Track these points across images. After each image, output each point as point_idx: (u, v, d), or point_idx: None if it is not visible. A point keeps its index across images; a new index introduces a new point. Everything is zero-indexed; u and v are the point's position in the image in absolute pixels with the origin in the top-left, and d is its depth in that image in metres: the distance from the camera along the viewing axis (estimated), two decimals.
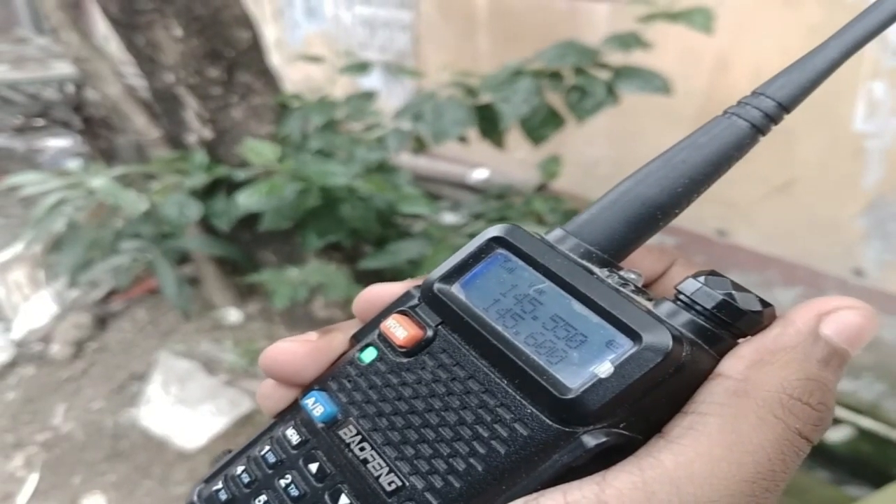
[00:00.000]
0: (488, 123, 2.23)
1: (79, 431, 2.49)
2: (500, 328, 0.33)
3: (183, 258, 2.86)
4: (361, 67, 2.51)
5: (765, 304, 0.31)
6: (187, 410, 2.49)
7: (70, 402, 2.64)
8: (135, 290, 3.10)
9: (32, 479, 2.31)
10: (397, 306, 0.37)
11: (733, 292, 0.31)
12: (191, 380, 2.60)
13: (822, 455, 2.25)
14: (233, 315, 2.89)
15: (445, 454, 0.31)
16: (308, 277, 2.26)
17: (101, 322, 3.02)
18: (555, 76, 2.10)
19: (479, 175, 3.37)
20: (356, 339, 0.38)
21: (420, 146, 2.36)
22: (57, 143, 5.34)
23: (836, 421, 2.34)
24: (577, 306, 0.32)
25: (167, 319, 2.98)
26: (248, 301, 2.96)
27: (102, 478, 2.30)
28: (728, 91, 2.71)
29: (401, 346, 0.35)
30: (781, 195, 2.63)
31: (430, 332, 0.35)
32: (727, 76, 2.70)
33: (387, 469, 0.32)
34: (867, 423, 2.30)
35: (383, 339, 0.36)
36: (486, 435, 0.30)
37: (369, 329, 0.37)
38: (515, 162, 2.75)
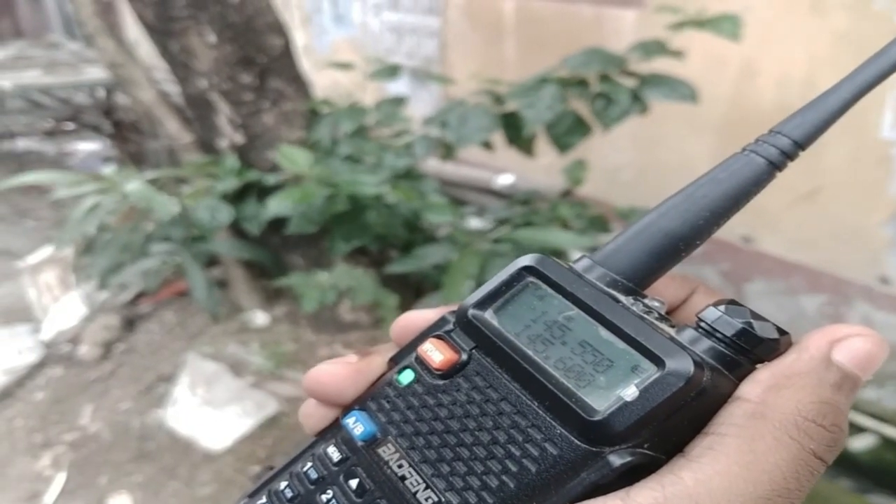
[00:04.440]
0: (514, 131, 2.24)
1: (106, 432, 2.52)
2: (531, 353, 0.34)
3: (211, 261, 2.89)
4: (391, 71, 2.52)
5: (781, 331, 0.33)
6: (214, 412, 2.51)
7: (98, 402, 2.66)
8: (163, 293, 3.13)
9: (60, 479, 2.34)
10: (433, 331, 0.39)
11: (752, 321, 0.32)
12: (218, 382, 2.62)
13: (845, 463, 2.24)
14: (260, 318, 2.91)
15: (479, 472, 0.33)
16: (336, 281, 2.27)
17: (130, 324, 3.05)
18: (581, 83, 2.11)
19: (504, 180, 3.37)
20: (394, 361, 0.40)
21: (448, 153, 2.37)
22: (87, 146, 5.40)
23: (860, 429, 2.33)
24: (604, 333, 0.33)
25: (195, 322, 3.00)
26: (275, 304, 2.98)
27: (129, 478, 2.32)
28: (754, 99, 2.70)
29: (437, 369, 0.36)
30: (807, 202, 2.62)
31: (464, 356, 0.36)
32: (753, 83, 2.70)
33: (424, 485, 0.34)
34: (891, 431, 2.28)
35: (420, 362, 0.37)
36: (517, 454, 0.32)
37: (406, 352, 0.39)
38: (541, 167, 2.76)
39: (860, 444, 2.28)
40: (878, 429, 2.29)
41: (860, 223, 2.54)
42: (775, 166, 0.36)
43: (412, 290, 2.58)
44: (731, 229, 2.97)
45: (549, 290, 0.36)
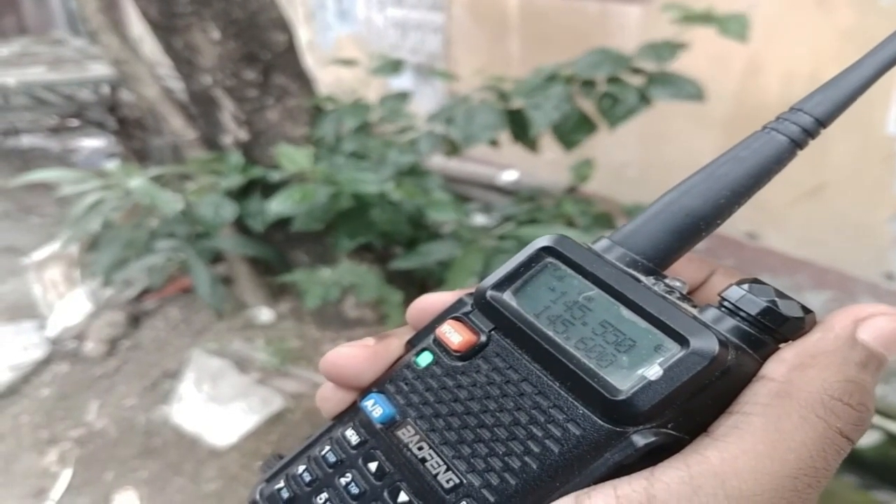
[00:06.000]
0: (520, 128, 2.23)
1: (112, 428, 2.52)
2: (551, 333, 0.34)
3: (216, 257, 2.89)
4: (394, 66, 2.52)
5: (806, 310, 0.32)
6: (219, 408, 2.52)
7: (103, 399, 2.67)
8: (168, 289, 3.14)
9: (66, 475, 2.34)
10: (451, 313, 0.38)
11: (776, 299, 0.32)
12: (223, 378, 2.63)
13: (850, 459, 2.23)
14: (265, 314, 2.92)
15: (501, 453, 0.32)
16: (340, 278, 2.28)
17: (135, 320, 3.06)
18: (587, 84, 2.10)
19: (508, 177, 3.38)
20: (411, 344, 0.39)
21: (452, 149, 2.37)
22: (91, 143, 5.41)
23: None
24: (626, 312, 0.33)
25: (200, 318, 3.01)
26: (279, 300, 2.98)
27: (135, 474, 2.33)
28: (759, 95, 2.70)
29: (456, 351, 0.36)
30: (813, 199, 2.62)
31: (483, 338, 0.36)
32: (758, 80, 2.69)
33: (444, 467, 0.33)
34: None
35: (438, 343, 0.37)
36: (540, 434, 0.32)
37: (424, 335, 0.39)
38: (545, 164, 2.76)
39: (865, 440, 2.28)
40: (883, 425, 2.28)
41: (865, 220, 2.53)
42: (797, 144, 0.35)
43: (416, 287, 2.57)
44: (735, 225, 2.98)
45: (569, 271, 0.36)
